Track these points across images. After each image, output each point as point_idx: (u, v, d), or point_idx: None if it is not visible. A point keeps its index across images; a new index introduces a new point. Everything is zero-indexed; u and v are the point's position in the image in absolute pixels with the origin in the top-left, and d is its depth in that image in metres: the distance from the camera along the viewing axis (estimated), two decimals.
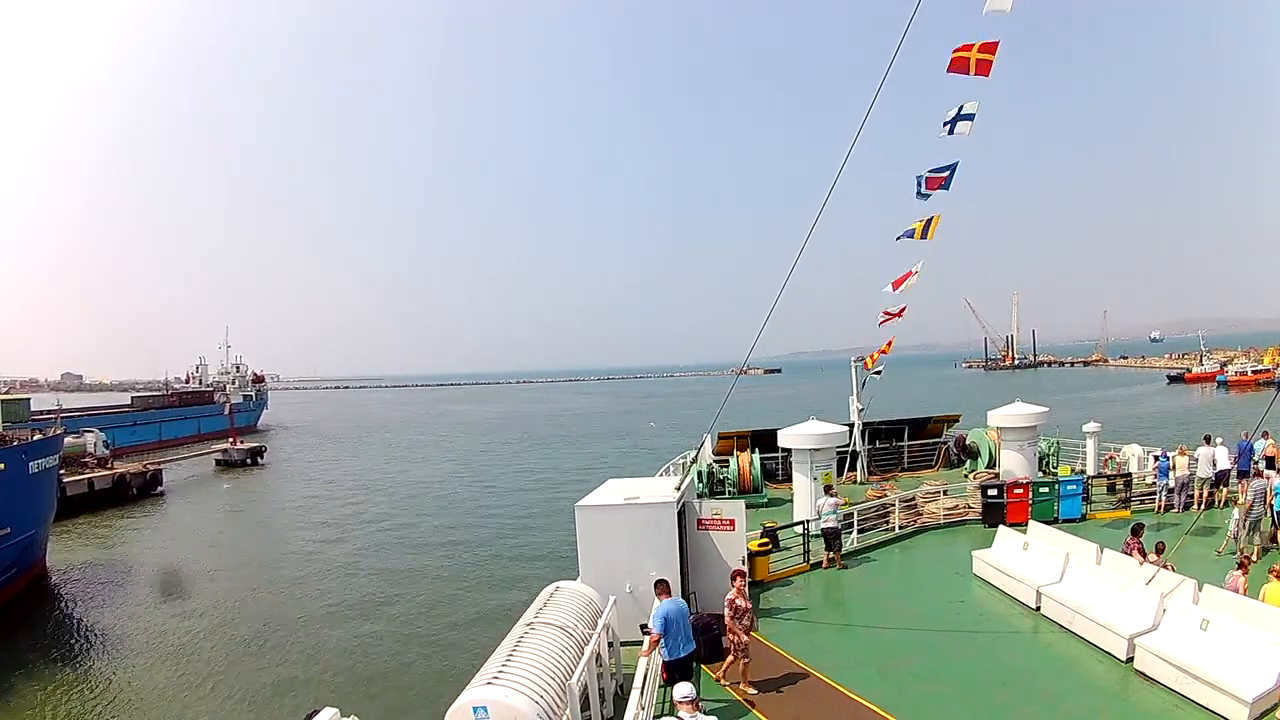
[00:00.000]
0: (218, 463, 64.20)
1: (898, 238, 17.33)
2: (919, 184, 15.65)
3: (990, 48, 12.05)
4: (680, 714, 7.27)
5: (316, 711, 7.12)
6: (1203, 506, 19.00)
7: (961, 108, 13.85)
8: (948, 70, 12.29)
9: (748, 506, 14.68)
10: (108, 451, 52.26)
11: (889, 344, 22.77)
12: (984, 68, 12.12)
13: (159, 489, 51.11)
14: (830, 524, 16.30)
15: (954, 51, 12.16)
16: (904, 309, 20.35)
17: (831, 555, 16.44)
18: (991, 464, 24.07)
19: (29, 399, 43.71)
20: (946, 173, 15.45)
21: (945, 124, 14.07)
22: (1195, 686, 9.67)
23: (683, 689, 7.46)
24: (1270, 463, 19.86)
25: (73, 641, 23.20)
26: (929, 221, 16.89)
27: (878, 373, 25.00)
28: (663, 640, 9.84)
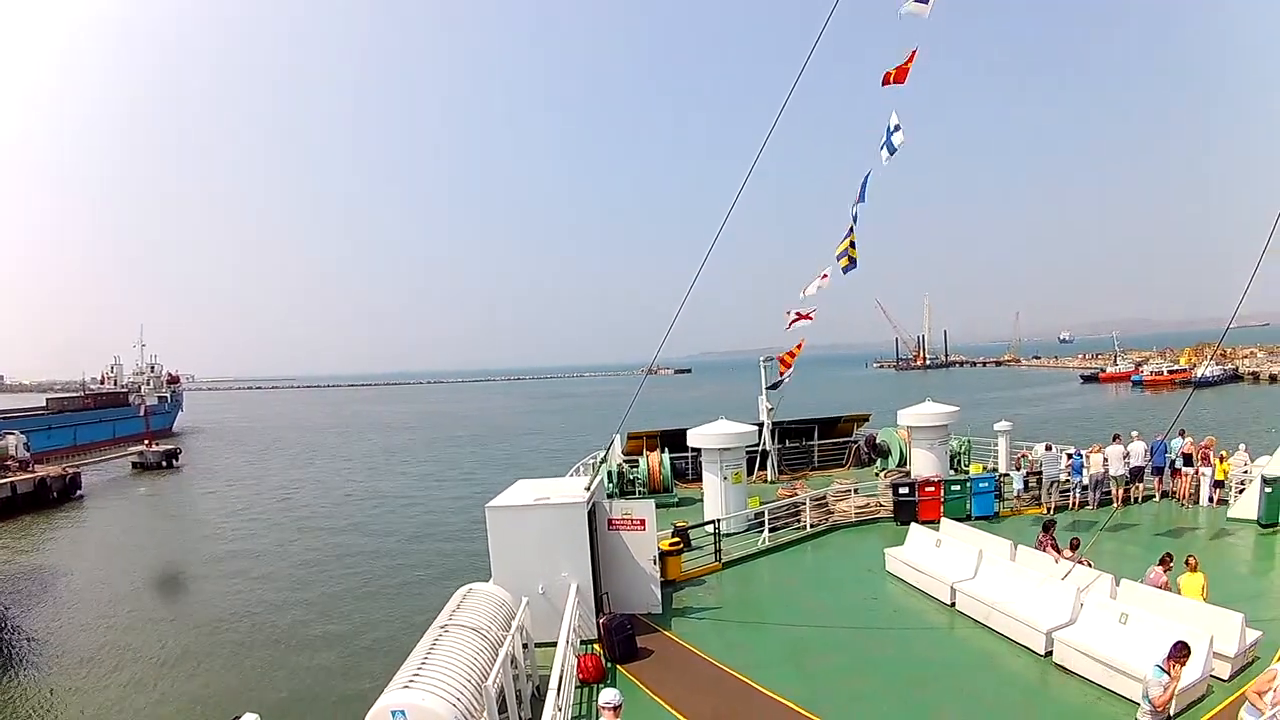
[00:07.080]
0: (134, 465, 62.24)
1: (838, 256, 17.16)
2: (863, 191, 15.92)
3: (911, 57, 12.72)
4: None
5: (238, 717, 7.11)
6: (1118, 504, 19.50)
7: (890, 126, 14.19)
8: (882, 84, 12.96)
9: (658, 506, 14.65)
10: (29, 454, 50.54)
11: (799, 345, 22.65)
12: (902, 75, 12.79)
13: (78, 492, 49.82)
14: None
15: (886, 72, 12.80)
16: (814, 311, 20.47)
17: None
18: (902, 462, 24.04)
19: None
20: (860, 185, 15.93)
21: (882, 146, 14.35)
22: (1117, 679, 9.71)
23: (608, 694, 7.52)
24: (1188, 460, 20.11)
25: None
26: (848, 235, 17.10)
27: (775, 385, 25.10)
28: None
